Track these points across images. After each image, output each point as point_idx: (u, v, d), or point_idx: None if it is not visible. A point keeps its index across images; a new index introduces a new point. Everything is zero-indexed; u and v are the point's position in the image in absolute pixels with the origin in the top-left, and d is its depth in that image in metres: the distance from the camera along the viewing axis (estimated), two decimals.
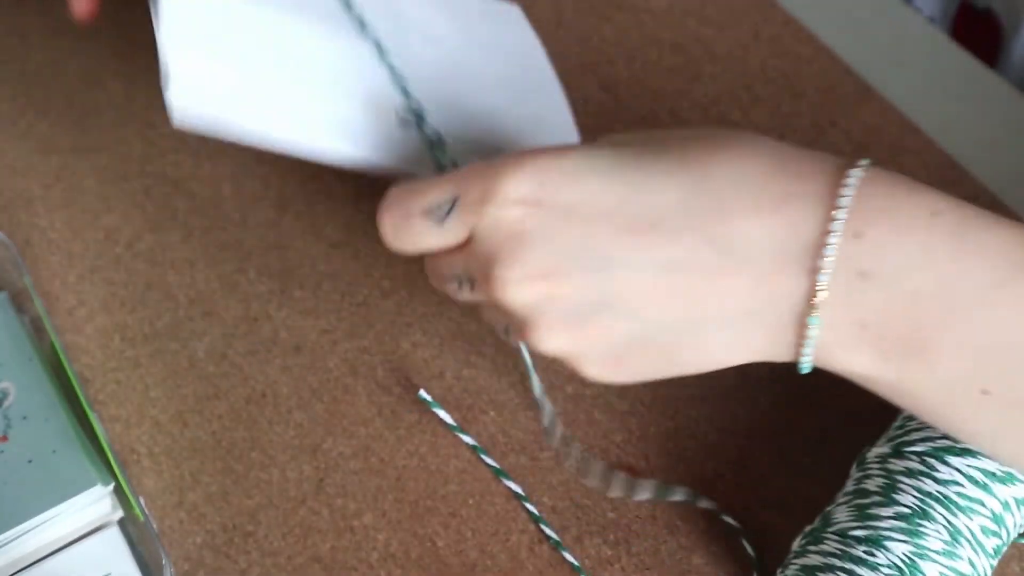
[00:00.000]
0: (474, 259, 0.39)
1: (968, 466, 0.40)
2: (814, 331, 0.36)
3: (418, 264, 0.53)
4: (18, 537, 0.43)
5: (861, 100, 0.49)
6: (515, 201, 0.37)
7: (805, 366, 0.37)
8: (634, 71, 0.62)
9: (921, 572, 0.39)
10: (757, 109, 0.60)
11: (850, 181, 0.35)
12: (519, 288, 0.37)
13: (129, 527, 0.45)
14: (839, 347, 0.36)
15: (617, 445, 0.48)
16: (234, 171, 0.56)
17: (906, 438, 0.42)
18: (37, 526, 0.43)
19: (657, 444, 0.48)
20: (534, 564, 0.45)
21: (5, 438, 0.45)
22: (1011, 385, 0.35)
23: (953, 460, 0.41)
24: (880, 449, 0.43)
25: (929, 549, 0.39)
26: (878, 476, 0.42)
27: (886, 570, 0.39)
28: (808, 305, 0.36)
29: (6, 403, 0.46)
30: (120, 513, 0.44)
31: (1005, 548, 0.41)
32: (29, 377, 0.47)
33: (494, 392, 0.50)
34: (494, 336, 0.51)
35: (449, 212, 0.39)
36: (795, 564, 0.41)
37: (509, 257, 0.37)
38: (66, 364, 0.47)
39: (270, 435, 0.48)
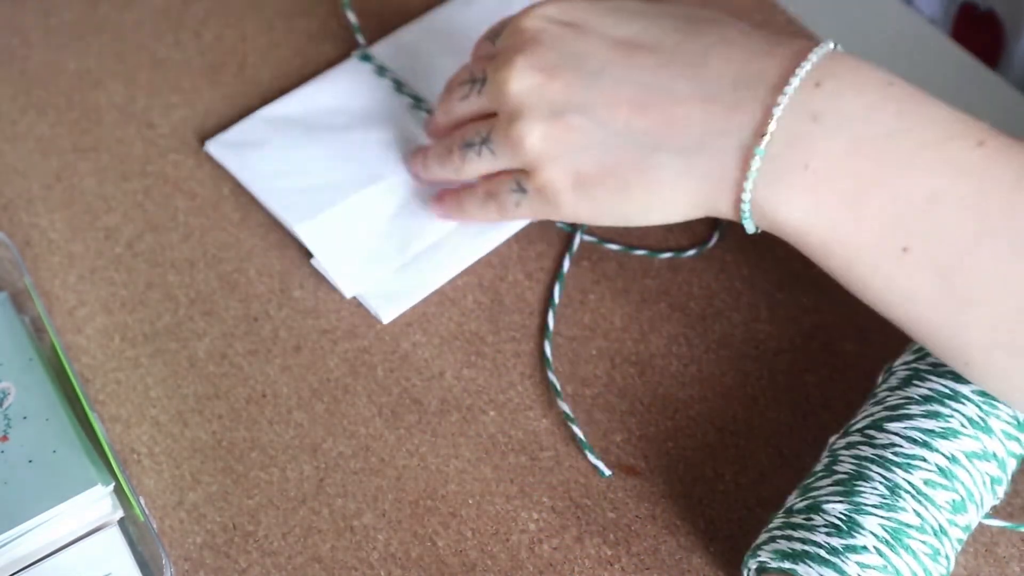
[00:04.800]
0: (497, 55, 0.47)
1: (905, 428, 0.42)
2: (757, 163, 0.40)
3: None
4: (18, 537, 0.43)
5: None
6: (541, 17, 0.46)
7: (746, 215, 0.41)
8: None
9: (860, 525, 0.40)
10: None
11: (821, 50, 0.40)
12: (521, 75, 0.45)
13: (129, 527, 0.45)
14: (778, 191, 0.40)
15: (617, 445, 0.48)
16: None
17: (852, 420, 0.44)
18: (37, 526, 0.43)
19: (657, 444, 0.48)
20: (534, 564, 0.45)
21: (5, 438, 0.45)
22: (928, 243, 0.38)
23: (891, 426, 0.42)
24: (833, 438, 0.44)
25: (866, 504, 0.40)
26: (825, 458, 0.43)
27: (823, 529, 0.40)
28: (757, 137, 0.40)
29: (6, 403, 0.46)
30: (120, 513, 0.44)
31: (977, 506, 0.41)
32: (29, 377, 0.47)
33: (494, 392, 0.50)
34: (494, 336, 0.51)
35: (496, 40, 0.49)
36: (749, 551, 0.42)
37: (523, 51, 0.45)
38: (66, 364, 0.47)
39: (270, 435, 0.49)
